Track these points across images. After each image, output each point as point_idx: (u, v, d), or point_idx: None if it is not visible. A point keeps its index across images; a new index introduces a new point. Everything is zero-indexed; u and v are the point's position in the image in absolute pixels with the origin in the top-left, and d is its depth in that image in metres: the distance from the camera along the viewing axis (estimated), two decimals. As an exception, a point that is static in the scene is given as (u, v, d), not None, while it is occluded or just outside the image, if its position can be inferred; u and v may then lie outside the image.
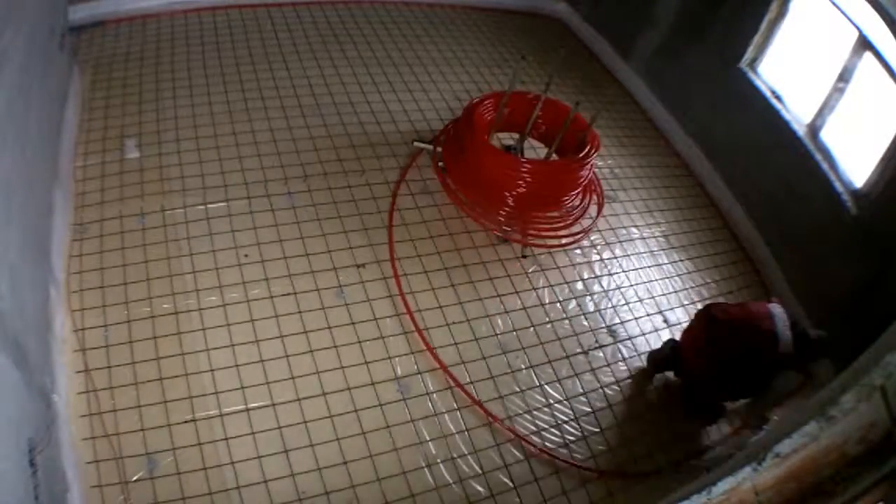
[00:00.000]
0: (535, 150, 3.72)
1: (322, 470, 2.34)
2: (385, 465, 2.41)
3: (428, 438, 2.51)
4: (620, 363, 3.00)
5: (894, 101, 2.96)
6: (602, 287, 3.28)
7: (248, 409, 2.43)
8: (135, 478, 2.19)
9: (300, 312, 2.75)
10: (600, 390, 2.87)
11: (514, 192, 3.14)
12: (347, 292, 2.86)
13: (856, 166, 3.19)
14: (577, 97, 3.27)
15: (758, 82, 3.73)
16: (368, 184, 3.35)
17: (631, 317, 3.21)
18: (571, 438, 2.67)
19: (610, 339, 3.07)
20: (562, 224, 3.33)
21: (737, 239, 3.88)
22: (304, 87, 3.85)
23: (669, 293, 3.41)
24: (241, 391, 2.46)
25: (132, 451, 2.24)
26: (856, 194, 3.16)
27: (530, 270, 3.20)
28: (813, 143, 3.39)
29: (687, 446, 2.84)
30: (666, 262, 3.56)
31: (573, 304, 3.15)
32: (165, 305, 2.64)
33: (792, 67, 3.61)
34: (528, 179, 3.11)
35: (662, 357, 2.96)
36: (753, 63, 3.80)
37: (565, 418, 2.72)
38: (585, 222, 3.42)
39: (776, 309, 2.64)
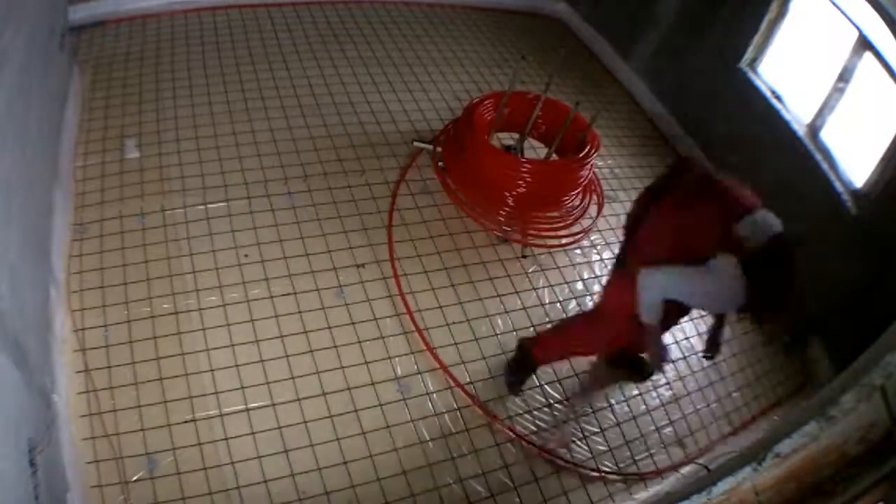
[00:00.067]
0: (535, 150, 3.72)
1: (322, 470, 2.34)
2: (385, 465, 2.41)
3: (428, 438, 2.51)
4: (620, 363, 3.00)
5: (894, 101, 2.96)
6: (602, 287, 3.27)
7: (248, 409, 2.43)
8: (135, 478, 2.19)
9: (300, 312, 2.75)
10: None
11: (514, 192, 3.14)
12: (347, 292, 2.86)
13: (856, 166, 3.19)
14: (577, 97, 3.27)
15: (758, 82, 3.72)
16: (368, 184, 3.35)
17: (631, 317, 3.20)
18: (571, 438, 2.67)
19: (610, 339, 3.07)
20: (562, 224, 3.33)
21: (737, 239, 3.87)
22: (304, 87, 3.85)
23: (669, 293, 3.40)
24: (241, 391, 2.47)
25: (132, 451, 2.24)
26: (856, 194, 3.16)
27: (530, 270, 3.20)
28: (813, 143, 3.39)
29: (687, 446, 2.84)
30: (666, 262, 3.55)
31: (573, 304, 3.15)
32: (165, 305, 2.64)
33: (792, 67, 3.60)
34: (528, 179, 3.11)
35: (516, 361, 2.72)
36: (753, 63, 3.80)
37: (565, 418, 2.72)
38: (585, 222, 3.42)
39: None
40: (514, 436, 2.59)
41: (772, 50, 3.71)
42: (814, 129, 3.42)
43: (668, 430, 2.86)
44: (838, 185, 3.22)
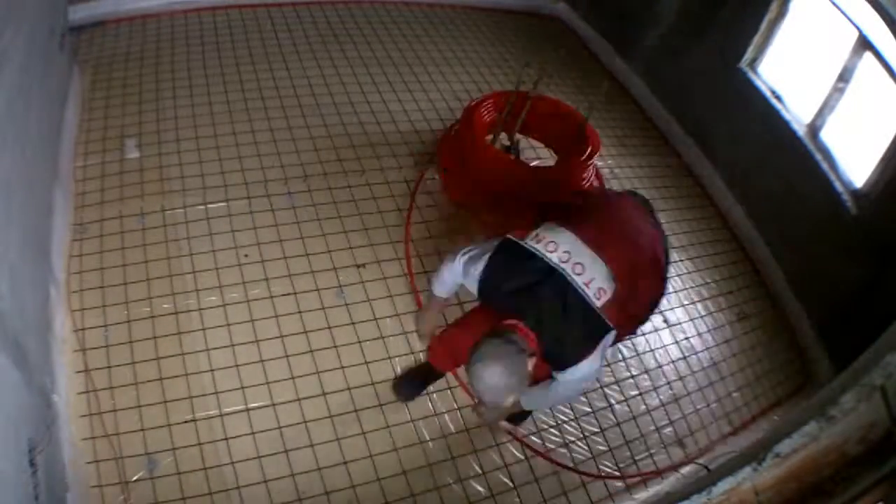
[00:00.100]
0: (536, 150, 3.73)
1: (322, 470, 2.34)
2: (385, 465, 2.41)
3: (428, 438, 2.51)
4: (620, 363, 3.00)
5: (894, 101, 2.96)
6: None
7: (248, 409, 2.43)
8: (135, 478, 2.19)
9: (300, 312, 2.75)
10: (600, 390, 2.87)
11: (515, 194, 3.14)
12: (347, 292, 2.86)
13: (856, 166, 3.19)
14: (577, 97, 3.27)
15: (758, 82, 3.72)
16: (368, 184, 3.35)
17: (631, 317, 3.20)
18: (571, 438, 2.67)
19: (610, 339, 3.07)
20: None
21: (737, 239, 3.88)
22: (304, 87, 3.85)
23: (669, 293, 3.40)
24: (241, 391, 2.47)
25: (132, 451, 2.24)
26: (856, 194, 3.16)
27: (530, 270, 3.20)
28: (813, 143, 3.39)
29: (687, 446, 2.84)
30: (666, 262, 3.56)
31: (573, 304, 3.15)
32: (165, 305, 2.64)
33: (792, 67, 3.60)
34: (528, 181, 3.11)
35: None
36: (753, 63, 3.80)
37: (565, 418, 2.72)
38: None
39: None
40: (514, 436, 2.59)
41: (772, 50, 3.70)
42: (814, 129, 3.42)
43: (668, 430, 2.86)
44: (838, 185, 3.22)
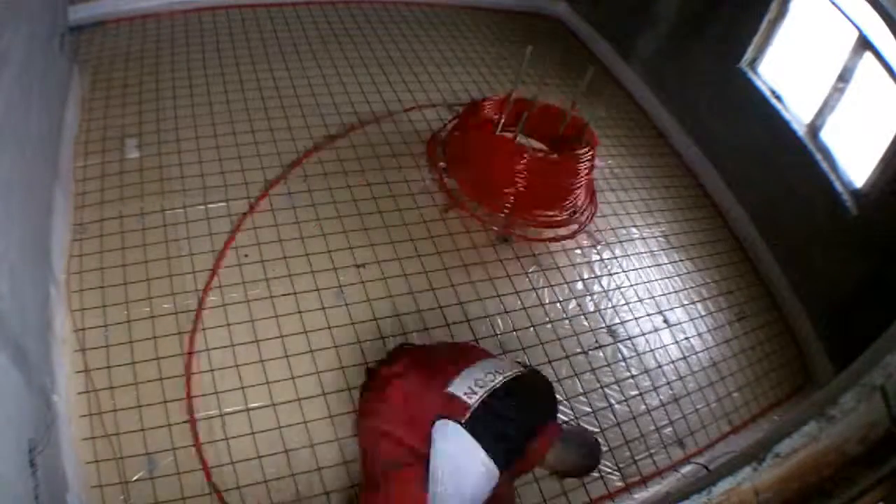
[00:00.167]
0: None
1: (322, 470, 2.34)
2: (385, 465, 2.41)
3: (428, 438, 2.51)
4: (620, 363, 3.00)
5: (894, 101, 2.96)
6: (602, 287, 3.28)
7: (248, 409, 2.43)
8: (135, 478, 2.19)
9: (300, 312, 2.75)
10: (600, 390, 2.87)
11: (516, 184, 3.14)
12: (347, 292, 2.86)
13: (856, 166, 3.19)
14: (577, 97, 3.27)
15: (758, 82, 3.73)
16: (368, 184, 3.35)
17: (631, 317, 3.21)
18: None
19: (610, 339, 3.07)
20: (561, 218, 3.34)
21: (737, 239, 3.88)
22: (304, 87, 3.85)
23: (669, 293, 3.41)
24: (241, 391, 2.47)
25: (132, 451, 2.24)
26: (856, 194, 3.16)
27: (530, 270, 3.20)
28: (813, 143, 3.39)
29: (687, 446, 2.84)
30: (666, 262, 3.56)
31: (573, 304, 3.15)
32: (165, 305, 2.64)
33: (792, 67, 3.61)
34: (531, 169, 3.12)
35: None
36: (753, 63, 3.80)
37: (565, 418, 2.72)
38: (587, 222, 3.43)
39: None
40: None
41: (772, 50, 3.71)
42: (814, 129, 3.42)
43: (668, 430, 2.86)
44: (838, 185, 3.22)
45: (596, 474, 2.59)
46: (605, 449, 2.68)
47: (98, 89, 3.52)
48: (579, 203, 3.41)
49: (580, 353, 2.97)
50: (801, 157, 3.40)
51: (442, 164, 3.47)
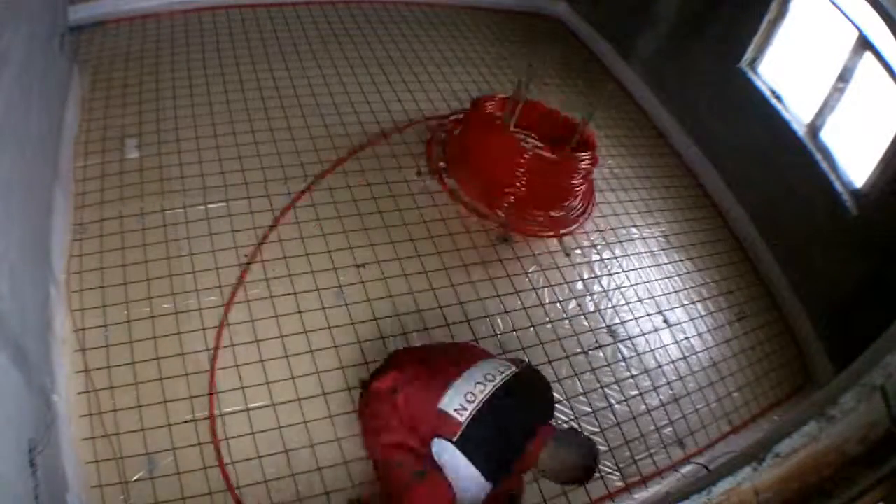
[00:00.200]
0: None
1: (322, 470, 2.34)
2: (385, 465, 2.40)
3: (428, 438, 2.51)
4: (620, 363, 3.00)
5: (894, 101, 2.96)
6: (602, 287, 3.28)
7: (248, 409, 2.43)
8: (135, 478, 2.19)
9: (300, 312, 2.75)
10: (600, 390, 2.87)
11: (518, 180, 3.15)
12: (347, 292, 2.86)
13: (856, 166, 3.19)
14: (578, 97, 3.27)
15: (758, 82, 3.73)
16: (368, 184, 3.35)
17: (631, 317, 3.21)
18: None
19: (610, 339, 3.07)
20: (559, 216, 3.36)
21: (737, 239, 3.89)
22: (304, 87, 3.85)
23: (669, 293, 3.41)
24: (242, 391, 2.46)
25: (132, 451, 2.24)
26: (856, 194, 3.16)
27: (530, 270, 3.20)
28: (813, 143, 3.40)
29: (687, 446, 2.84)
30: (666, 262, 3.56)
31: (573, 304, 3.15)
32: (165, 305, 2.64)
33: (792, 67, 3.61)
34: (532, 166, 3.13)
35: None
36: (753, 63, 3.80)
37: (565, 418, 2.72)
38: (585, 221, 3.43)
39: None
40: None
41: (772, 50, 3.71)
42: (814, 129, 3.42)
43: (668, 430, 2.86)
44: (838, 185, 3.22)
45: (596, 474, 2.58)
46: (605, 449, 2.68)
47: (98, 89, 3.52)
48: (576, 204, 3.42)
49: (580, 353, 2.97)
50: (801, 157, 3.40)
51: (442, 163, 3.47)
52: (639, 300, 3.30)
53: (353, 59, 4.19)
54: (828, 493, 1.16)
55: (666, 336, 3.20)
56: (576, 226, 3.42)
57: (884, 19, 2.85)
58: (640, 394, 2.93)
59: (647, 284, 3.40)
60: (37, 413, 1.85)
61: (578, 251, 3.39)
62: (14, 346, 1.72)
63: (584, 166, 3.21)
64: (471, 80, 4.30)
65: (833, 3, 3.23)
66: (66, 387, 2.27)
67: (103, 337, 2.50)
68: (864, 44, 3.08)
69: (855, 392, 1.19)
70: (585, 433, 2.69)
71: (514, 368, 2.09)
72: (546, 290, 3.16)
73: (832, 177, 3.25)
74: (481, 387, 1.99)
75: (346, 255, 3.00)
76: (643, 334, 3.15)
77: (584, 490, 2.53)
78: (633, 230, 3.65)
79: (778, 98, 3.62)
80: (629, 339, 3.11)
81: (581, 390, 2.84)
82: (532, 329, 2.98)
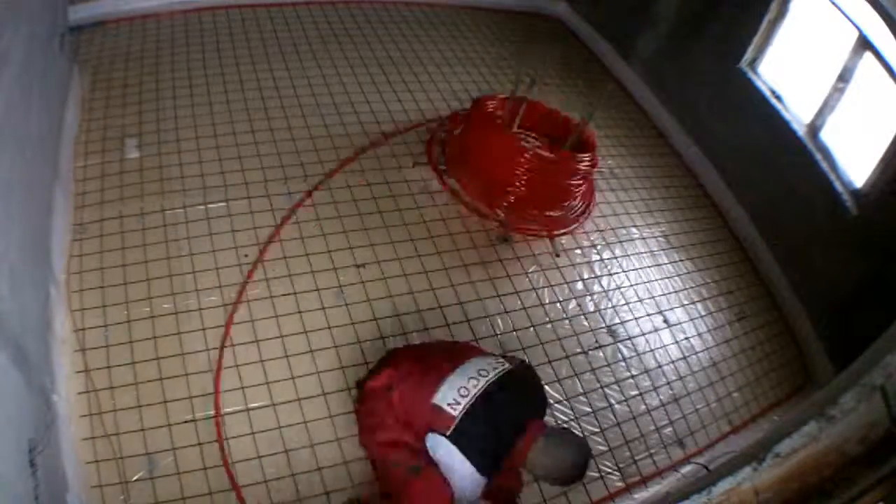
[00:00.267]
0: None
1: (322, 470, 2.34)
2: (385, 465, 2.40)
3: (428, 438, 2.51)
4: (620, 363, 3.00)
5: (894, 101, 2.96)
6: (602, 287, 3.28)
7: (248, 409, 2.43)
8: (135, 478, 2.19)
9: (300, 312, 2.75)
10: (600, 390, 2.87)
11: (519, 177, 3.15)
12: (347, 292, 2.86)
13: (856, 166, 3.19)
14: (577, 97, 3.27)
15: (758, 82, 3.73)
16: (368, 184, 3.35)
17: (631, 317, 3.21)
18: (571, 438, 2.67)
19: (610, 339, 3.07)
20: (558, 215, 3.36)
21: (737, 239, 3.89)
22: (304, 87, 3.85)
23: (669, 293, 3.41)
24: (242, 391, 2.46)
25: (132, 451, 2.24)
26: (856, 194, 3.16)
27: (530, 270, 3.20)
28: (813, 143, 3.40)
29: (687, 446, 2.84)
30: (666, 262, 3.56)
31: (573, 304, 3.15)
32: (165, 305, 2.64)
33: (792, 67, 3.61)
34: (532, 165, 3.13)
35: None
36: (753, 63, 3.80)
37: (565, 418, 2.72)
38: (585, 221, 3.43)
39: None
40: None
41: (772, 50, 3.71)
42: (814, 129, 3.42)
43: (668, 430, 2.86)
44: (838, 185, 3.22)
45: (596, 474, 2.59)
46: (605, 449, 2.68)
47: (98, 89, 3.52)
48: (576, 204, 3.43)
49: (580, 353, 2.97)
50: (801, 157, 3.40)
51: (441, 165, 3.47)
52: (639, 300, 3.30)
53: (353, 59, 4.19)
54: (828, 493, 1.16)
55: (666, 336, 3.20)
56: (575, 226, 3.42)
57: (884, 19, 2.85)
58: (640, 394, 2.93)
59: (647, 284, 3.40)
60: (37, 413, 1.85)
61: (578, 251, 3.39)
62: (14, 346, 1.72)
63: (583, 167, 3.21)
64: (471, 80, 4.30)
65: (833, 3, 3.23)
66: (66, 387, 2.27)
67: (103, 337, 2.50)
68: (864, 44, 3.08)
69: (855, 392, 1.19)
70: (585, 433, 2.69)
71: (507, 364, 2.09)
72: (546, 290, 3.16)
73: (832, 177, 3.26)
74: (475, 381, 1.99)
75: (346, 255, 3.00)
76: (643, 334, 3.16)
77: (584, 490, 2.53)
78: (633, 230, 3.65)
79: (778, 98, 3.62)
80: (629, 339, 3.11)
81: (581, 390, 2.84)
82: (532, 329, 2.98)
